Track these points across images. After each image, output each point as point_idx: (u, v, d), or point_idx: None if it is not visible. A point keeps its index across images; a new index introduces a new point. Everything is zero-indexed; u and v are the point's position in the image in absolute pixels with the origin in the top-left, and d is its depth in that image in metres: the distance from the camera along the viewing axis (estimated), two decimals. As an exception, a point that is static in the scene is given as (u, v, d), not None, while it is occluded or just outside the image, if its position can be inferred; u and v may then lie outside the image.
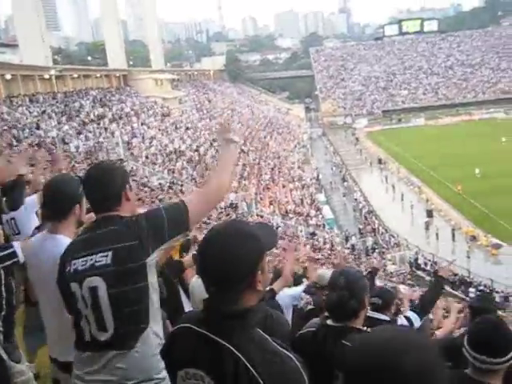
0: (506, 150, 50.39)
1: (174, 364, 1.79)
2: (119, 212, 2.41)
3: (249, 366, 1.58)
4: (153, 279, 2.34)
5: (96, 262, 2.27)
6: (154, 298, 2.35)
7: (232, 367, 1.60)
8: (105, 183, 2.39)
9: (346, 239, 33.59)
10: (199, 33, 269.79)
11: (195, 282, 4.85)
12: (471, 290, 24.56)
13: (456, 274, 27.24)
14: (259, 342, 1.65)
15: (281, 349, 1.65)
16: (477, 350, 2.43)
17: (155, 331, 2.33)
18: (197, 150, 40.51)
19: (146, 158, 33.37)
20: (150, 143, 36.72)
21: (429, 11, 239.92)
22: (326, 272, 5.96)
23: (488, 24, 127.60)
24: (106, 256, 2.25)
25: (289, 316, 5.10)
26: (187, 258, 4.93)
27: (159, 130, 41.44)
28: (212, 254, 1.67)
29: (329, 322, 2.60)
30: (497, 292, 24.52)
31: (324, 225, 35.94)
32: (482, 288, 24.78)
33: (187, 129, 46.72)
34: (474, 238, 31.70)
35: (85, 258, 2.31)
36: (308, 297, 5.08)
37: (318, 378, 1.68)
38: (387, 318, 3.99)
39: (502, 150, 50.66)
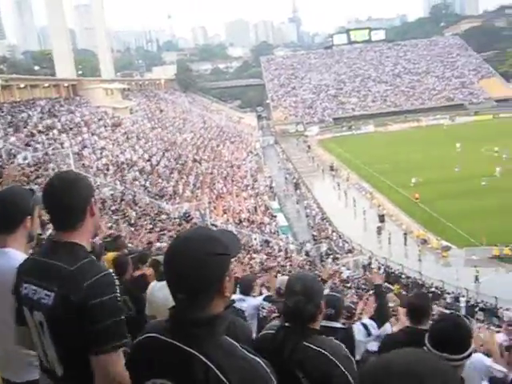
0: (459, 156, 52.32)
1: (140, 375, 1.72)
2: (83, 228, 2.25)
3: (219, 373, 1.56)
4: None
5: (41, 298, 2.12)
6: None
7: (202, 376, 1.57)
8: (69, 196, 2.19)
9: (301, 246, 33.81)
10: (149, 42, 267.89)
11: (153, 288, 4.74)
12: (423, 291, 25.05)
13: (409, 277, 27.80)
14: (228, 349, 1.63)
15: (249, 355, 1.64)
16: (438, 348, 2.50)
17: None
18: (149, 160, 40.08)
19: (98, 169, 32.78)
20: (101, 154, 36.09)
21: (376, 21, 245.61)
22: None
23: (432, 34, 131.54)
24: (49, 296, 2.09)
25: (254, 325, 5.08)
26: (150, 271, 4.86)
27: (110, 140, 40.79)
28: (181, 260, 1.65)
29: (287, 323, 2.60)
30: (448, 293, 25.15)
31: (278, 232, 36.09)
32: (433, 290, 25.33)
33: (139, 139, 46.20)
34: (424, 242, 32.48)
35: (35, 288, 2.16)
36: (270, 305, 5.06)
37: (278, 379, 1.69)
38: (343, 326, 4.02)
39: (455, 156, 52.35)
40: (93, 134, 39.58)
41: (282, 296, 5.29)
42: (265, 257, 25.50)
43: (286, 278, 6.10)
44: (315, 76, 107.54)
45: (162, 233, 21.35)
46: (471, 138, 59.68)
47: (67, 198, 2.19)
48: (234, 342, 1.67)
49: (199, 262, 1.63)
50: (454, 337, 2.52)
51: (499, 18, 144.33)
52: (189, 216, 29.38)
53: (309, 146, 71.58)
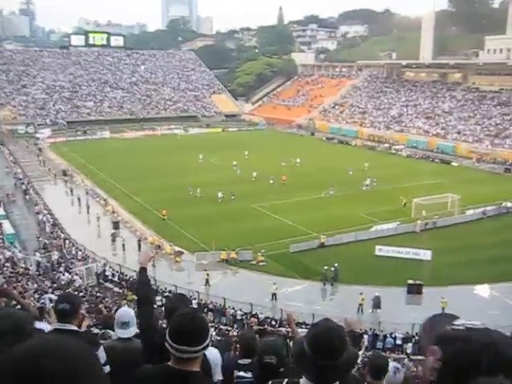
0: (200, 165, 55.47)
1: None
2: None
3: None
4: None
5: None
6: None
7: None
8: None
9: (31, 256, 31.58)
10: None
11: None
12: (158, 298, 25.53)
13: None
14: None
15: None
16: (177, 341, 2.48)
17: None
18: None
19: None
20: None
21: (115, 26, 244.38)
22: None
23: (170, 47, 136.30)
24: None
25: None
26: None
27: None
28: None
29: None
30: (180, 297, 25.97)
31: (4, 241, 33.19)
32: (166, 294, 25.96)
33: None
34: (158, 247, 33.16)
35: None
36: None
37: None
38: (76, 329, 3.75)
39: (195, 165, 54.99)
40: None
41: None
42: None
43: None
44: (49, 75, 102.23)
45: None
46: (205, 148, 63.21)
47: None
48: None
49: None
50: (191, 330, 2.52)
51: (230, 39, 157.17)
52: None
53: (40, 149, 67.86)
